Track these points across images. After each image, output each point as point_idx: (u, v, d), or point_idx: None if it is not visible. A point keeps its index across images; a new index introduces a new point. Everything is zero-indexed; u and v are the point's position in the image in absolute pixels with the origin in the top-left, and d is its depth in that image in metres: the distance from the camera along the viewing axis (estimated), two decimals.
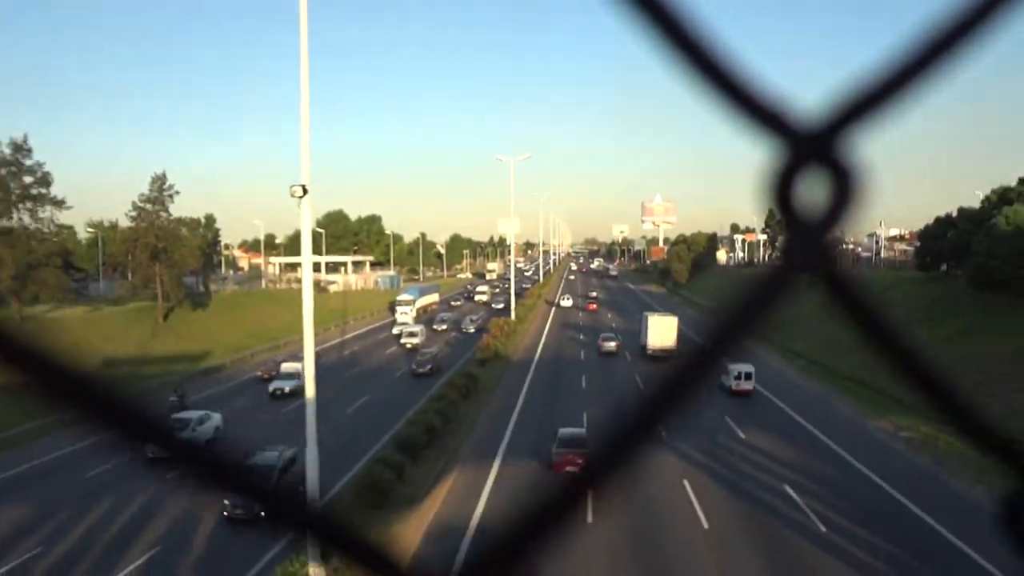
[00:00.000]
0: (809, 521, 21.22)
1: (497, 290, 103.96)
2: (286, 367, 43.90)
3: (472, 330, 66.47)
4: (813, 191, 0.69)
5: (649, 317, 53.40)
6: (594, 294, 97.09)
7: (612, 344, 54.85)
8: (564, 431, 27.02)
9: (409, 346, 57.75)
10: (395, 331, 65.05)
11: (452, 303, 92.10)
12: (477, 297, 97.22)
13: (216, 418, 33.90)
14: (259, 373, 47.03)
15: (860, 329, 0.74)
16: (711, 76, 0.66)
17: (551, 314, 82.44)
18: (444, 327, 69.51)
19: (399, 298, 80.00)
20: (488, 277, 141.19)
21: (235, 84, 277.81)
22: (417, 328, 62.18)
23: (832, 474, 25.48)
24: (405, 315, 74.35)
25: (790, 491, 23.50)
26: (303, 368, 39.61)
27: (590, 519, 21.32)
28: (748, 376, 37.70)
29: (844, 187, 0.69)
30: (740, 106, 0.68)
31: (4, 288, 50.12)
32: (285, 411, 37.50)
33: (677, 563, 18.34)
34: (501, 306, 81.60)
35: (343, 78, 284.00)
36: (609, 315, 77.76)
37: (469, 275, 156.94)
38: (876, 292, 0.74)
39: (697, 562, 18.24)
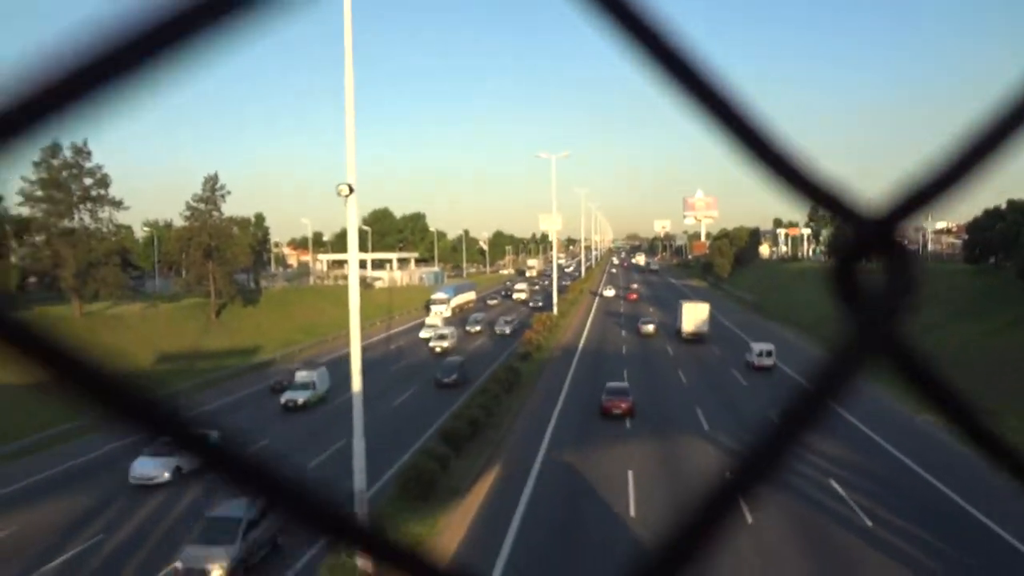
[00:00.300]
0: (855, 516, 21.11)
1: (536, 287, 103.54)
2: (300, 377, 39.81)
3: (507, 332, 62.06)
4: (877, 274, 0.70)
5: (683, 304, 58.46)
6: (635, 285, 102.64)
7: (650, 327, 59.11)
8: (611, 384, 34.52)
9: (438, 350, 53.34)
10: (423, 334, 59.74)
11: (489, 302, 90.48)
12: (515, 295, 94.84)
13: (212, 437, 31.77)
14: (270, 384, 42.73)
15: (930, 404, 0.76)
16: (776, 165, 0.66)
17: (594, 304, 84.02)
18: (478, 328, 65.19)
19: (433, 297, 78.84)
20: (528, 274, 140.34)
21: (284, 88, 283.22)
22: (447, 331, 57.22)
23: (879, 468, 25.20)
24: (436, 316, 70.48)
25: (835, 485, 23.35)
26: (318, 378, 39.47)
27: (632, 513, 21.67)
28: (769, 354, 43.34)
29: (908, 273, 0.70)
30: (805, 192, 0.68)
31: (67, 286, 52.37)
32: (297, 425, 34.48)
33: (720, 557, 18.44)
34: (540, 304, 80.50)
35: (389, 79, 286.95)
36: (651, 309, 77.54)
37: (511, 271, 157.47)
38: (942, 367, 0.75)
39: (740, 556, 18.33)
